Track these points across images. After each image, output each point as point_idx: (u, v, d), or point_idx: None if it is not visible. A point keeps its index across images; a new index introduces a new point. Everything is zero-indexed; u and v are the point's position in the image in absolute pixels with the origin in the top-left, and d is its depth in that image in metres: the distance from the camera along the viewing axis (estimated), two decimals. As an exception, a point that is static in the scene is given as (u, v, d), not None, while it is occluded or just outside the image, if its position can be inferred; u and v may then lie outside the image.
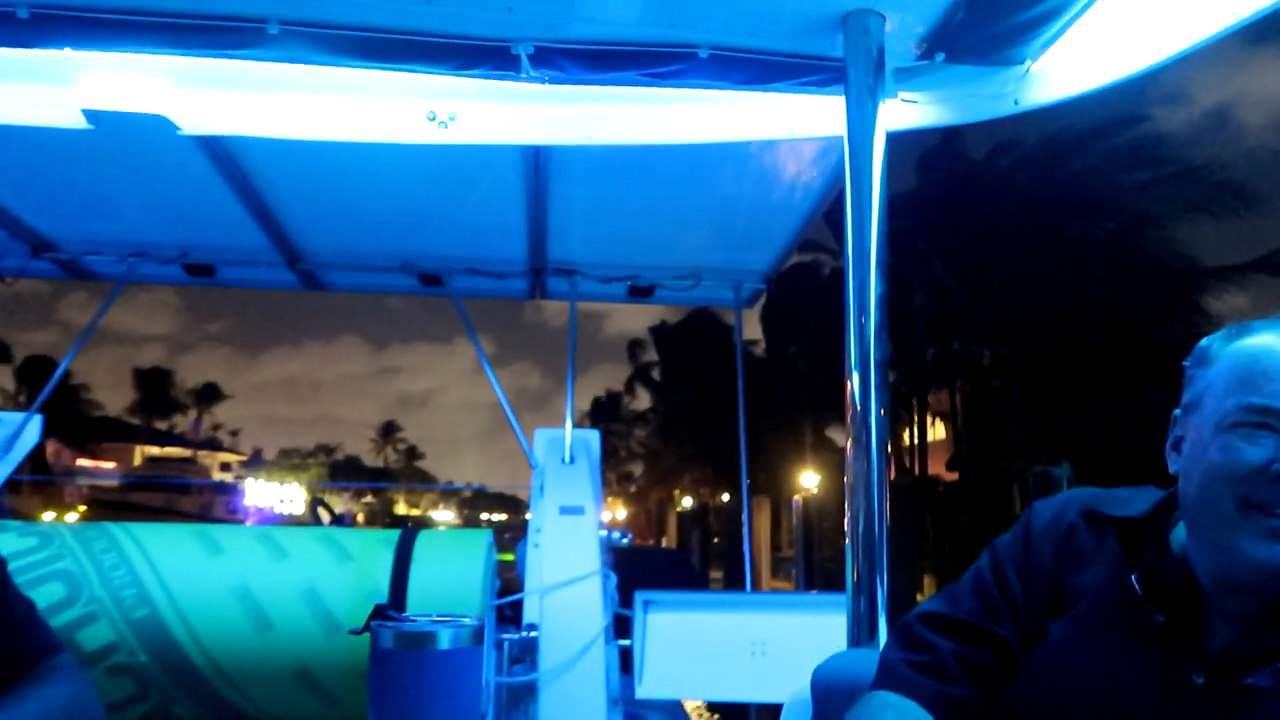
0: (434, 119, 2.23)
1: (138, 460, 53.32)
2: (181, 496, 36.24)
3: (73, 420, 51.82)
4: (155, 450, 56.73)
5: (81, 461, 49.49)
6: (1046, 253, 20.17)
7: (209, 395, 69.68)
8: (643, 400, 47.53)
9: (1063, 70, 2.05)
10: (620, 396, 49.78)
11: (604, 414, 49.86)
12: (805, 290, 24.40)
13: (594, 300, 3.91)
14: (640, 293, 3.79)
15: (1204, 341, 1.14)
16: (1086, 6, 1.85)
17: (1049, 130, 20.92)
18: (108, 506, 33.06)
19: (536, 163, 2.71)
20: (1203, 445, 1.07)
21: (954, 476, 23.92)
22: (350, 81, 2.15)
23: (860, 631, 1.75)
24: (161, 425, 64.39)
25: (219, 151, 2.64)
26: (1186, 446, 1.11)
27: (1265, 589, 1.01)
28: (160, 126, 2.19)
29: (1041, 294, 20.42)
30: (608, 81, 2.07)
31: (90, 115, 2.17)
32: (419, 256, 3.55)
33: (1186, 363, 1.15)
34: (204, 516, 34.95)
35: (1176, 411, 1.16)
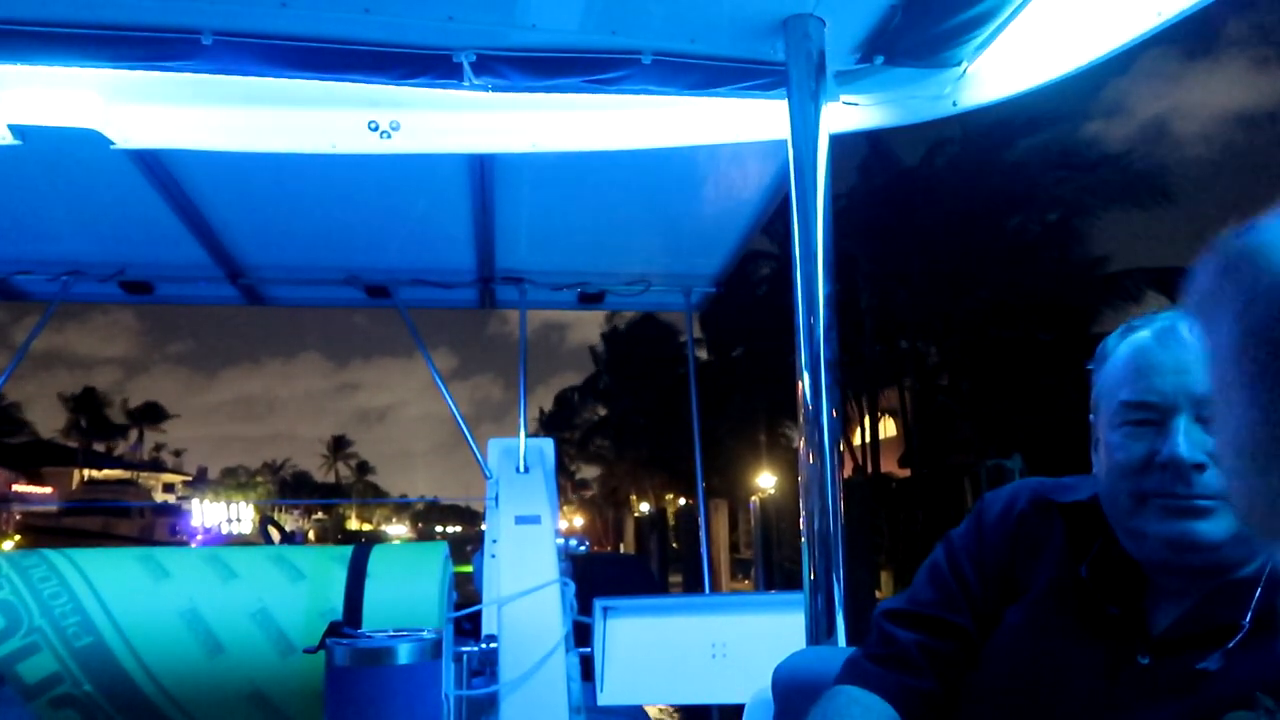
0: (376, 129, 2.21)
1: (76, 484, 51.67)
2: (121, 520, 34.89)
3: (7, 445, 50.17)
4: (94, 473, 55.01)
5: (17, 487, 47.85)
6: (985, 250, 20.60)
7: (152, 415, 67.93)
8: (598, 408, 47.47)
9: (999, 71, 2.10)
10: (573, 404, 49.61)
11: (558, 421, 49.66)
12: (744, 293, 24.56)
13: (544, 308, 3.90)
14: (590, 299, 3.78)
15: (1102, 342, 1.19)
16: (1019, 9, 1.90)
17: (984, 133, 21.41)
18: (42, 533, 31.82)
19: (482, 171, 2.69)
20: (1104, 445, 1.12)
21: (906, 473, 24.26)
22: (288, 92, 2.12)
23: (819, 629, 1.76)
24: (101, 447, 62.55)
25: (154, 166, 2.58)
26: (1096, 446, 1.16)
27: (1177, 563, 1.05)
28: (92, 141, 2.13)
29: (982, 290, 20.84)
30: (551, 89, 2.07)
31: (16, 130, 2.11)
32: (365, 268, 3.51)
33: (1090, 364, 1.19)
34: (144, 539, 33.77)
35: (1091, 416, 1.19)
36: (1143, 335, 1.11)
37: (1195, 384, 1.05)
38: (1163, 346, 1.08)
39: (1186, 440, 1.03)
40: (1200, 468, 1.02)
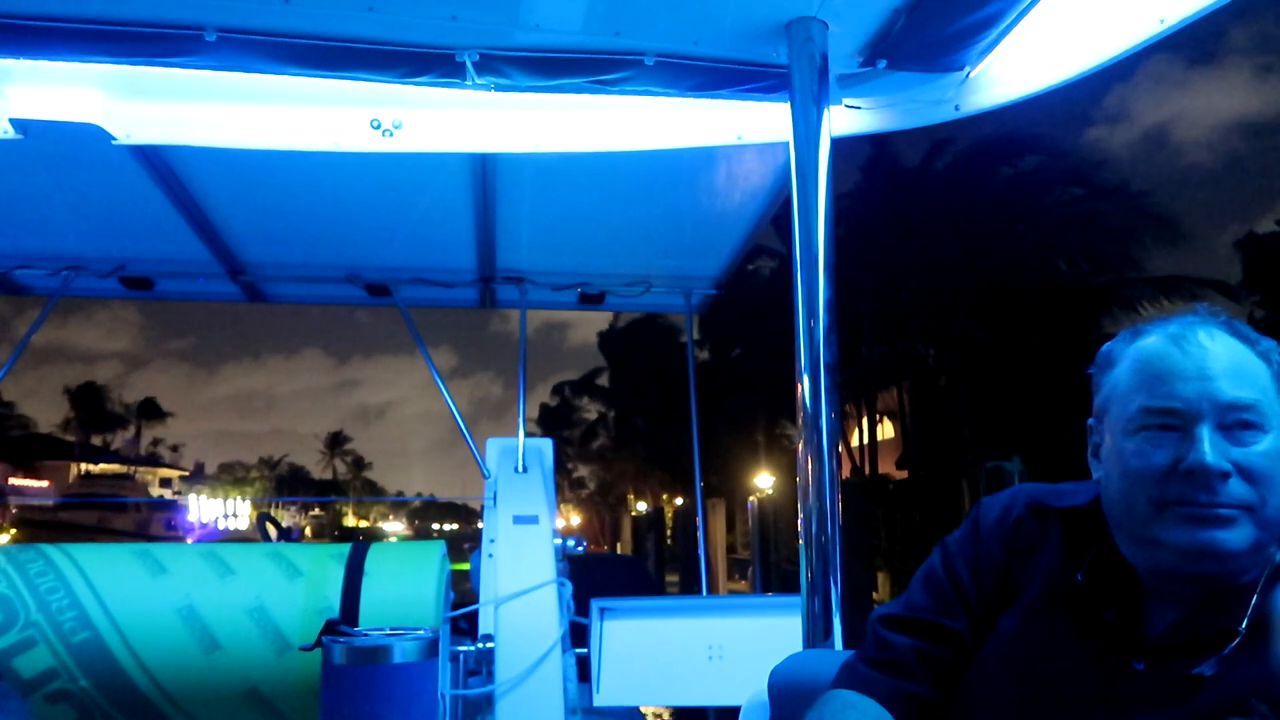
0: (378, 127, 2.21)
1: (72, 478, 51.56)
2: (117, 514, 34.86)
3: (4, 439, 50.16)
4: (91, 467, 54.93)
5: (14, 480, 47.82)
6: (985, 254, 20.62)
7: (150, 411, 67.86)
8: (596, 407, 47.47)
9: (1001, 76, 2.10)
10: (566, 396, 49.58)
11: (556, 420, 49.65)
12: (747, 292, 24.55)
13: (544, 308, 3.90)
14: (591, 300, 3.79)
15: (1105, 347, 1.18)
16: (1022, 15, 1.90)
17: (988, 135, 21.42)
18: (38, 526, 31.76)
19: (484, 171, 2.69)
20: (1116, 451, 1.11)
21: (904, 474, 24.27)
22: (291, 90, 2.12)
23: (816, 632, 1.77)
24: (98, 441, 62.49)
25: (156, 161, 2.58)
26: (1104, 452, 1.15)
27: (1192, 572, 1.05)
28: (94, 136, 2.13)
29: (982, 293, 20.85)
30: (554, 89, 2.07)
31: (19, 124, 2.11)
32: (365, 266, 3.51)
33: (1091, 369, 1.19)
34: (141, 534, 33.77)
35: (1091, 420, 1.19)
36: (1157, 340, 1.10)
37: (1218, 390, 1.04)
38: (1183, 352, 1.07)
39: (1213, 448, 1.02)
40: (1225, 476, 1.01)
